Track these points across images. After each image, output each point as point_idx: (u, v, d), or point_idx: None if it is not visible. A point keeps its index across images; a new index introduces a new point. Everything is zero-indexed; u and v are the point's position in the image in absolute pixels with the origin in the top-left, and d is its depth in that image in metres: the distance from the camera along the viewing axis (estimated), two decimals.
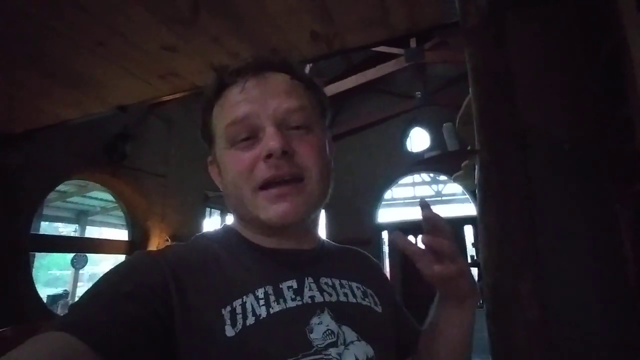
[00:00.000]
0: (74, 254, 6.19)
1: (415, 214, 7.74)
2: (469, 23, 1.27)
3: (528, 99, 1.11)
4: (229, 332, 0.41)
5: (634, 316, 0.93)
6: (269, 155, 0.47)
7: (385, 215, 6.79)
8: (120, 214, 7.47)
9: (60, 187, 6.04)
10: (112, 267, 0.46)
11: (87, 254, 6.26)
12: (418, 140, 6.26)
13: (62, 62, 1.77)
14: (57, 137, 3.11)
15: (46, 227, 8.04)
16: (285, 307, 0.46)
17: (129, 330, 0.36)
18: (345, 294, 0.52)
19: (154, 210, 4.24)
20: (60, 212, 7.40)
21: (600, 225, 1.00)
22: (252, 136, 0.50)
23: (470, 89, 1.35)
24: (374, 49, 4.44)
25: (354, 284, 0.54)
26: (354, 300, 0.52)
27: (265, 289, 0.47)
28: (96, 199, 6.99)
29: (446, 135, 1.81)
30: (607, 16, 0.86)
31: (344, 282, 0.53)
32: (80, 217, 7.80)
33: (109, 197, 6.37)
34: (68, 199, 6.76)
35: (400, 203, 8.27)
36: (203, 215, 5.14)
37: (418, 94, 5.14)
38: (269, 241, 0.53)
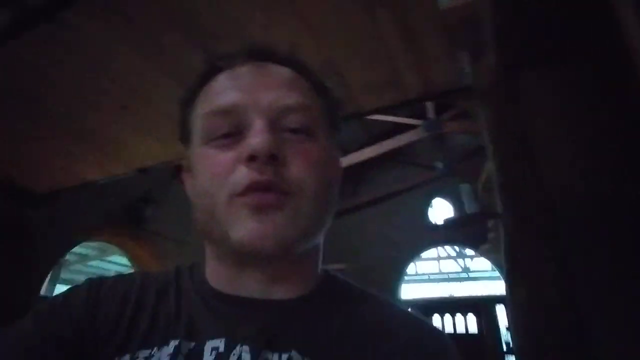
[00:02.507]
0: None
1: (441, 291, 7.26)
2: (481, 83, 1.26)
3: (550, 158, 1.03)
4: None
5: None
6: (251, 157, 0.35)
7: (410, 291, 6.37)
8: None
9: (81, 251, 6.13)
10: (30, 313, 0.39)
11: None
12: (440, 211, 6.09)
13: (87, 124, 1.87)
14: (79, 199, 3.20)
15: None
16: None
17: None
18: None
19: None
20: (79, 276, 7.41)
21: None
22: (234, 133, 0.38)
23: (488, 152, 1.29)
24: (393, 120, 4.58)
25: None
26: None
27: (179, 342, 0.35)
28: (116, 263, 7.00)
29: (464, 197, 1.71)
30: (625, 73, 0.81)
31: (295, 356, 0.35)
32: None
33: (126, 261, 6.40)
34: (88, 263, 6.80)
35: (425, 279, 7.82)
36: None
37: (439, 164, 5.13)
38: (226, 283, 0.40)
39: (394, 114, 4.32)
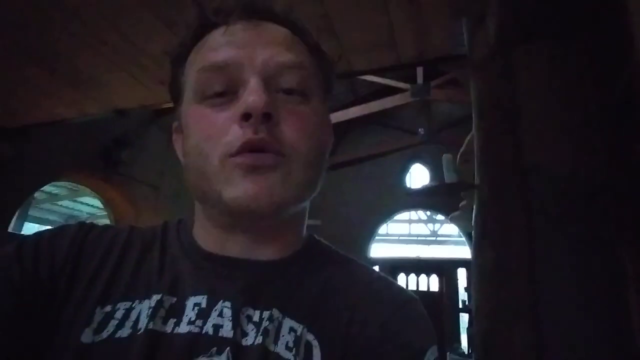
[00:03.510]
0: None
1: (409, 251, 7.63)
2: (476, 55, 1.25)
3: (533, 135, 1.06)
4: (87, 337, 0.33)
5: None
6: (246, 115, 0.35)
7: (379, 250, 6.66)
8: (109, 222, 7.39)
9: (52, 189, 5.97)
10: (17, 242, 0.39)
11: None
12: (418, 177, 6.24)
13: (65, 58, 1.74)
14: (53, 136, 3.07)
15: (32, 229, 7.86)
16: (168, 331, 0.34)
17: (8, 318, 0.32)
18: (265, 333, 0.35)
19: (143, 221, 4.13)
20: (49, 215, 7.27)
21: (604, 276, 0.91)
22: (229, 91, 0.37)
23: (473, 121, 1.31)
24: (380, 82, 4.51)
25: (290, 323, 0.37)
26: (273, 349, 0.35)
27: (161, 297, 0.36)
28: (87, 204, 6.89)
29: (445, 167, 1.75)
30: (622, 50, 0.82)
31: (276, 314, 0.37)
32: (68, 221, 7.65)
33: (99, 203, 6.30)
34: (58, 202, 6.65)
35: (394, 240, 8.15)
36: None
37: (421, 130, 5.17)
38: (214, 242, 0.41)
39: (382, 76, 4.25)
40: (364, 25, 1.38)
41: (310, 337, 0.36)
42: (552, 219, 1.00)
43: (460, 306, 5.30)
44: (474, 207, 1.31)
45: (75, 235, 0.40)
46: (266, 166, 0.35)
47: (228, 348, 0.34)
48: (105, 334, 0.33)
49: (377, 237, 6.43)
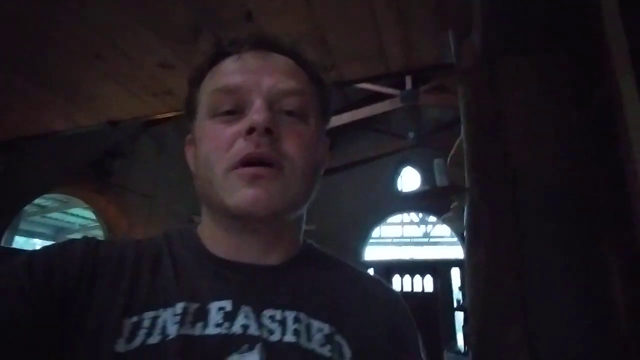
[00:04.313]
0: None
1: (402, 253, 7.69)
2: (463, 65, 1.31)
3: (519, 141, 1.12)
4: (120, 347, 0.35)
5: None
6: (250, 130, 0.40)
7: (373, 253, 6.70)
8: (101, 233, 7.30)
9: (41, 202, 5.90)
10: (28, 253, 0.41)
11: None
12: (409, 180, 6.31)
13: (56, 71, 1.76)
14: (43, 149, 3.05)
15: (22, 243, 7.71)
16: (201, 333, 0.37)
17: (17, 326, 0.34)
18: (297, 334, 0.39)
19: (136, 231, 4.11)
20: (39, 228, 7.16)
21: (590, 271, 0.97)
22: (237, 110, 0.43)
23: (462, 128, 1.36)
24: (371, 88, 4.59)
25: (316, 323, 0.41)
26: (307, 346, 0.38)
27: (186, 304, 0.39)
28: (77, 216, 6.81)
29: (437, 171, 1.81)
30: (598, 65, 0.88)
31: (302, 316, 0.41)
32: (59, 234, 7.54)
33: (91, 215, 6.22)
34: (47, 214, 6.56)
35: (388, 242, 8.20)
36: None
37: (411, 134, 5.25)
38: (224, 247, 0.45)
39: (373, 82, 4.33)
40: (354, 38, 1.43)
41: (338, 337, 0.40)
42: (538, 218, 1.05)
43: (455, 305, 5.36)
44: (465, 209, 1.36)
45: (85, 250, 0.42)
46: (265, 177, 0.40)
47: (259, 344, 0.37)
48: (137, 343, 0.35)
49: (370, 240, 6.47)
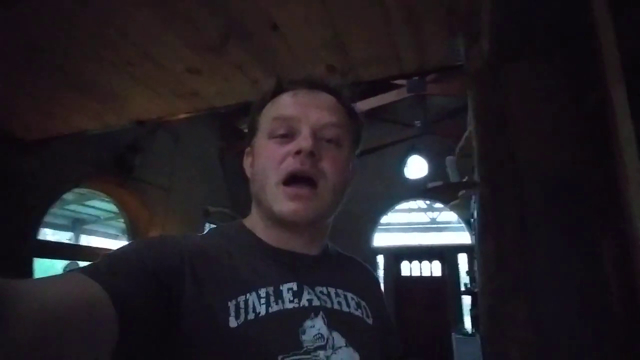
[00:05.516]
0: (67, 261, 6.16)
1: (410, 239, 7.84)
2: (472, 67, 1.41)
3: (523, 139, 1.23)
4: (233, 323, 0.45)
5: (618, 339, 1.02)
6: (298, 151, 0.52)
7: (382, 239, 6.85)
8: (116, 224, 7.53)
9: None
10: (136, 240, 0.53)
11: (81, 262, 6.22)
12: (416, 167, 6.40)
13: (89, 76, 1.88)
14: (70, 146, 3.20)
15: (45, 234, 7.98)
16: (282, 308, 0.49)
17: (145, 300, 0.40)
18: (340, 303, 0.55)
19: (156, 222, 4.29)
20: (57, 219, 7.39)
21: (588, 259, 1.10)
22: (289, 134, 0.55)
23: (471, 127, 1.48)
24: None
25: (349, 294, 0.57)
26: (347, 310, 0.55)
27: (267, 289, 0.50)
28: (94, 207, 7.00)
29: (449, 167, 1.93)
30: (593, 71, 0.99)
31: (339, 291, 0.56)
32: (76, 225, 7.78)
33: (108, 206, 6.41)
34: (66, 207, 6.77)
35: (396, 228, 8.34)
36: (203, 230, 5.15)
37: (417, 122, 5.32)
38: (276, 239, 0.56)
39: None
40: (370, 42, 1.53)
41: (363, 303, 0.58)
42: (540, 209, 1.17)
43: (462, 289, 5.52)
44: (475, 202, 1.48)
45: (175, 245, 0.50)
46: (304, 197, 0.53)
47: (321, 311, 0.51)
48: (241, 319, 0.46)
49: (379, 227, 6.61)
